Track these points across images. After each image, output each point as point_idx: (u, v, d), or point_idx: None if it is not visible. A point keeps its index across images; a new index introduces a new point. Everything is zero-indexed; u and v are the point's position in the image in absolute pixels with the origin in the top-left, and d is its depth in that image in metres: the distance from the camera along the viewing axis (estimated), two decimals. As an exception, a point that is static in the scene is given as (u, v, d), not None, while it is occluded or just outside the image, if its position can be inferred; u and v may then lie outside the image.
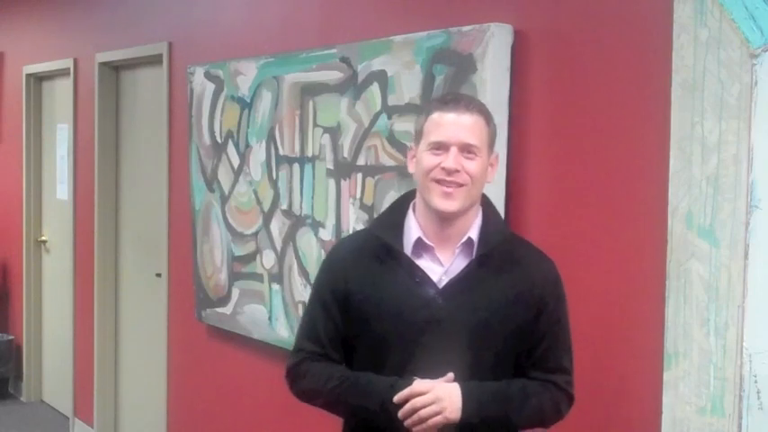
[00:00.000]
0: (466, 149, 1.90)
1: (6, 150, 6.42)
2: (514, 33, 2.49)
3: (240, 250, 3.64)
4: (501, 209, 2.44)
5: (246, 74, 3.55)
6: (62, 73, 5.55)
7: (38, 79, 6.02)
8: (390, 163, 2.83)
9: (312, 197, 3.21)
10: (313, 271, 3.08)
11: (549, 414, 1.99)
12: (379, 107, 2.88)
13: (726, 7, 1.96)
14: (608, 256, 2.30)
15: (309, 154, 3.22)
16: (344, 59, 3.03)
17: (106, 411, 5.11)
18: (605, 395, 2.31)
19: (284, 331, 3.35)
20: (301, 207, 3.27)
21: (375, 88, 2.89)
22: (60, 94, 5.70)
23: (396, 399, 1.87)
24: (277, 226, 3.41)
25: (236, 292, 3.68)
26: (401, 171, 2.75)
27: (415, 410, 1.85)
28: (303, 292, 3.22)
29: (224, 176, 3.73)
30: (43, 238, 6.07)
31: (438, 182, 1.90)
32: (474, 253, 1.94)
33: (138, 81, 4.82)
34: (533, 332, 1.96)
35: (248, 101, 3.54)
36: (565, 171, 2.41)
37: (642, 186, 2.21)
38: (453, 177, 1.89)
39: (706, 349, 2.02)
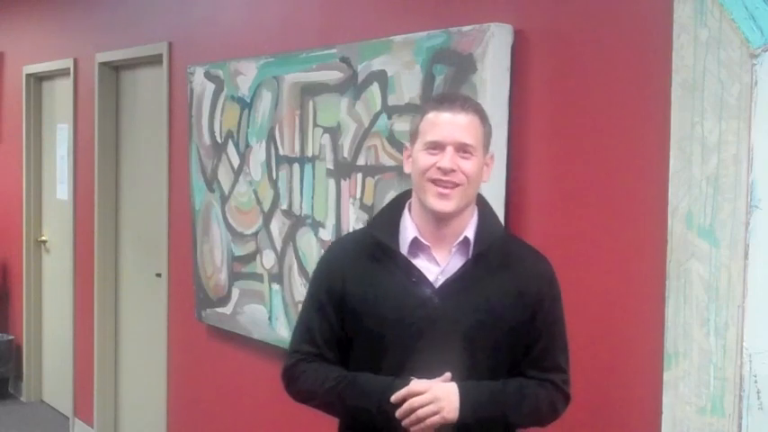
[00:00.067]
0: (462, 149, 1.90)
1: (6, 150, 6.42)
2: (514, 33, 2.49)
3: (240, 250, 3.64)
4: (501, 209, 2.45)
5: (246, 74, 3.55)
6: (62, 73, 5.55)
7: (38, 79, 6.02)
8: (390, 163, 2.83)
9: (312, 197, 3.21)
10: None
11: (545, 413, 1.99)
12: (379, 107, 2.88)
13: (726, 7, 1.96)
14: (608, 256, 2.30)
15: (309, 154, 3.22)
16: (344, 59, 3.03)
17: (106, 411, 5.11)
18: (605, 395, 2.31)
19: (284, 331, 3.35)
20: (301, 207, 3.27)
21: (375, 88, 2.89)
22: (60, 94, 5.70)
23: (393, 398, 1.87)
24: (277, 226, 3.41)
25: (236, 292, 3.68)
26: (401, 171, 2.75)
27: (412, 410, 1.85)
28: (303, 292, 3.20)
29: (224, 176, 3.73)
30: (43, 238, 6.07)
31: (434, 182, 1.90)
32: (470, 252, 1.94)
33: (138, 81, 4.82)
34: (530, 331, 1.96)
35: (248, 101, 3.54)
36: (565, 171, 2.41)
37: (642, 186, 2.21)
38: (449, 177, 1.89)
39: (706, 349, 2.02)
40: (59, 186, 5.74)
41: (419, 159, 1.93)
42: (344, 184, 3.05)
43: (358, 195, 2.98)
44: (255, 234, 3.54)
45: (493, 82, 2.46)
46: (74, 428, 5.45)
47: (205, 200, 3.87)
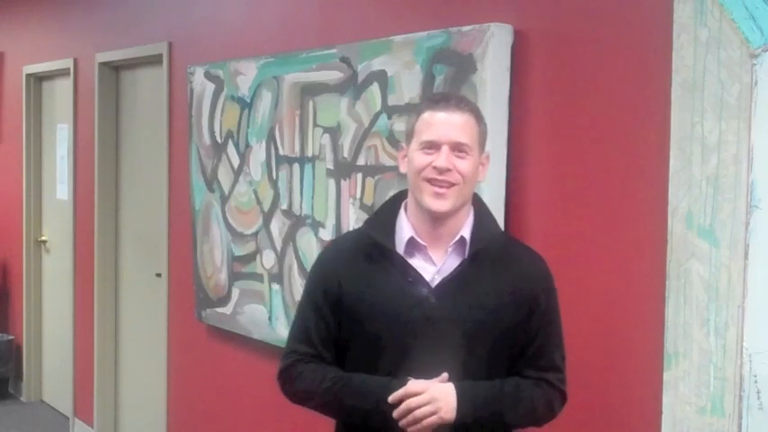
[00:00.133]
0: (457, 148, 1.90)
1: (6, 150, 6.42)
2: (514, 33, 2.49)
3: (240, 250, 3.64)
4: (501, 209, 2.45)
5: (246, 74, 3.55)
6: (62, 73, 5.55)
7: (38, 79, 6.02)
8: (390, 163, 2.83)
9: (312, 197, 3.21)
10: (313, 271, 3.09)
11: (542, 412, 1.99)
12: (379, 107, 2.88)
13: (726, 7, 1.96)
14: (608, 256, 2.30)
15: (309, 154, 3.22)
16: (344, 59, 3.03)
17: (106, 411, 5.11)
18: (605, 395, 2.31)
19: (284, 331, 3.34)
20: (301, 207, 3.27)
21: (375, 88, 2.89)
22: (60, 94, 5.70)
23: (390, 399, 1.87)
24: (277, 226, 3.41)
25: (236, 292, 3.68)
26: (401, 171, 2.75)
27: (410, 411, 1.85)
28: (303, 292, 3.22)
29: (224, 176, 3.73)
30: (43, 238, 6.07)
31: (429, 181, 1.90)
32: (466, 252, 1.94)
33: (138, 81, 4.82)
34: (526, 330, 1.96)
35: (248, 101, 3.54)
36: (565, 171, 2.41)
37: (642, 186, 2.21)
38: (445, 176, 1.89)
39: (706, 349, 2.02)
40: (59, 186, 5.74)
41: (415, 159, 1.93)
42: (344, 184, 3.05)
43: (358, 195, 2.98)
44: (255, 234, 3.54)
45: (493, 82, 2.46)
46: (74, 428, 5.45)
47: (205, 200, 3.87)
